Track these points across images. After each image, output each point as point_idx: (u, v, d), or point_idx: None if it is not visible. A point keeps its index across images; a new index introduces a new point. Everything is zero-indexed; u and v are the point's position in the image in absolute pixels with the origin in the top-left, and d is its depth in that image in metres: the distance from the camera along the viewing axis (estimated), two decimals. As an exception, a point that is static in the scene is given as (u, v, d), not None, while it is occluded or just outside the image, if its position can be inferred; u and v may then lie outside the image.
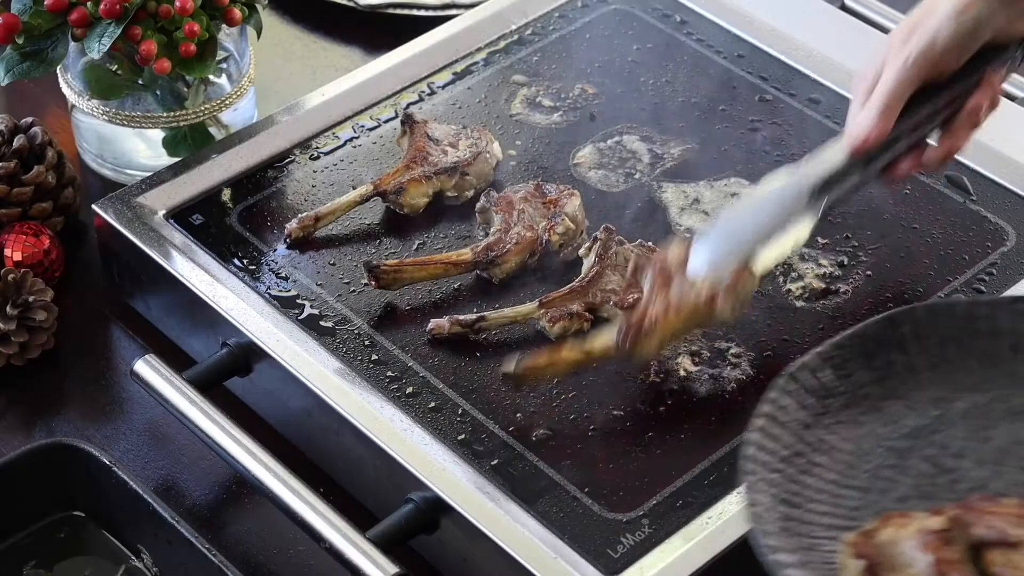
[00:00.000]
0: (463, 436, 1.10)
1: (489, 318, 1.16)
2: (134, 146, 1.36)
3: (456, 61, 1.39)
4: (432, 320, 1.16)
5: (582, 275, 1.18)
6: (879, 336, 1.04)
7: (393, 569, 1.01)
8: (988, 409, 1.02)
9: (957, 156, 1.28)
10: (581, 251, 1.20)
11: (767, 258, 1.13)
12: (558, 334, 1.15)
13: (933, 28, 1.12)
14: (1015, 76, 1.36)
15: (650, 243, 1.20)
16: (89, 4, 1.24)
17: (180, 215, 1.24)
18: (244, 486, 1.15)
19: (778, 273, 1.21)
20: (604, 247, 1.18)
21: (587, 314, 1.16)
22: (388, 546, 1.04)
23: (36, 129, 1.31)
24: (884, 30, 1.41)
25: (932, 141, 1.17)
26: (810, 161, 1.15)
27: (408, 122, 1.29)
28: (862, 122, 1.13)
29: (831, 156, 1.14)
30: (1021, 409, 1.02)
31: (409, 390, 1.12)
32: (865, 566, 0.90)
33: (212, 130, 1.34)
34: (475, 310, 1.18)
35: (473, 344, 1.16)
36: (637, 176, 1.29)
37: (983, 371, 1.04)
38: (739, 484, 0.98)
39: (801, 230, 1.14)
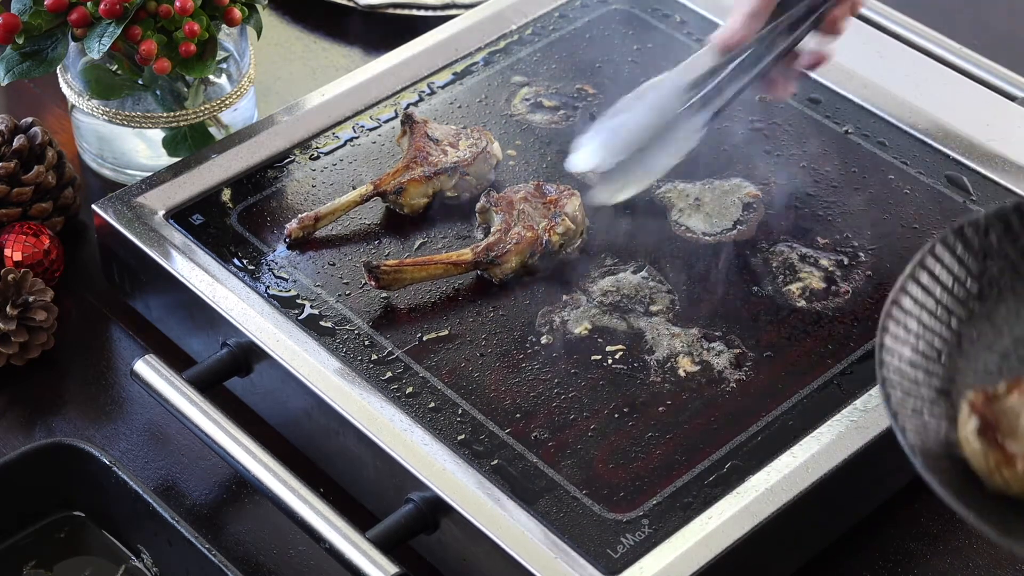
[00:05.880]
0: (463, 436, 1.10)
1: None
2: (134, 146, 1.36)
3: (456, 61, 1.39)
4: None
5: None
6: None
7: (393, 569, 1.01)
8: None
9: (954, 154, 1.28)
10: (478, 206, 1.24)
11: (659, 163, 1.21)
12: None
13: None
14: (1015, 76, 1.36)
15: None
16: (89, 4, 1.24)
17: (180, 215, 1.24)
18: (244, 486, 1.15)
19: (778, 273, 1.21)
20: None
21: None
22: (388, 546, 1.04)
23: (36, 129, 1.31)
24: (884, 30, 1.41)
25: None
26: (685, 63, 1.20)
27: (408, 122, 1.29)
28: (729, 24, 1.18)
29: (702, 58, 1.20)
30: None
31: (409, 390, 1.12)
32: (979, 425, 0.89)
33: (212, 130, 1.34)
34: (475, 311, 1.18)
35: (473, 344, 1.16)
36: (637, 176, 1.29)
37: None
38: (880, 331, 0.96)
39: (690, 138, 1.20)
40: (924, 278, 0.97)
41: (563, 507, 1.05)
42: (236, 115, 1.36)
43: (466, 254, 1.19)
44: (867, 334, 1.16)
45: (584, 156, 1.20)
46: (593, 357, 1.15)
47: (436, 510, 1.06)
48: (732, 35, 1.18)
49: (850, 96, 1.35)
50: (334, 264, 1.22)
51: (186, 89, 1.32)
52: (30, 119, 1.32)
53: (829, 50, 1.22)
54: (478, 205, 1.23)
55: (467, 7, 1.51)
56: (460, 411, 1.11)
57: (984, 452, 0.89)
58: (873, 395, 1.11)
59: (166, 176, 1.27)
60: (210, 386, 1.15)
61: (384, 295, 1.19)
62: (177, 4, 1.25)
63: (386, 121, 1.33)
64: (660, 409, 1.12)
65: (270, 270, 1.21)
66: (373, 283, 1.18)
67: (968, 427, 0.90)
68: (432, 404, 1.11)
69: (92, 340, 1.27)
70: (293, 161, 1.30)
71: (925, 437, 0.91)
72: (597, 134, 1.21)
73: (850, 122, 1.33)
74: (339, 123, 1.33)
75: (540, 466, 1.08)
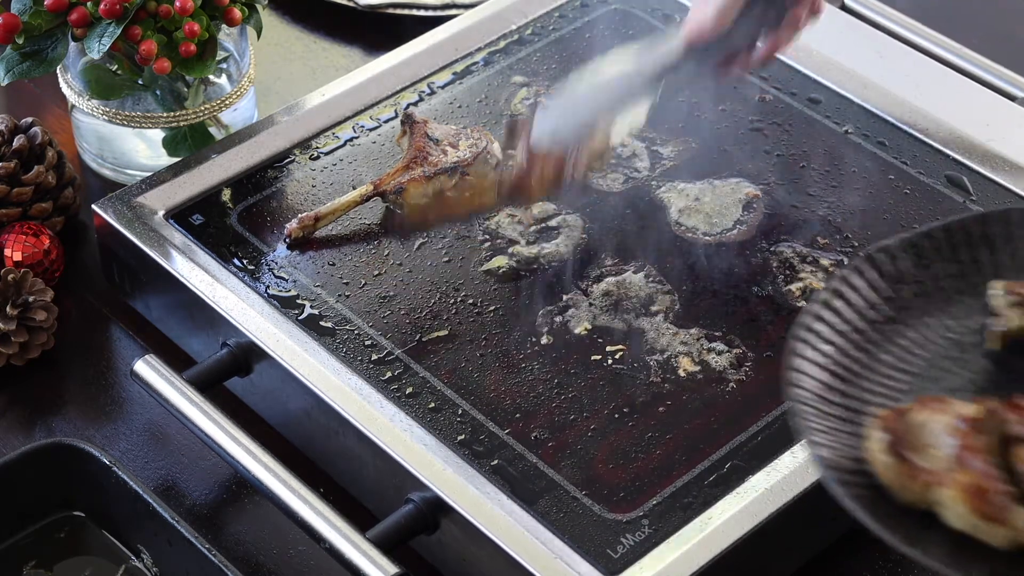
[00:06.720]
0: (463, 436, 1.10)
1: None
2: (134, 146, 1.36)
3: (456, 61, 1.39)
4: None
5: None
6: (968, 232, 1.03)
7: (393, 569, 1.01)
8: None
9: (954, 154, 1.28)
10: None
11: (616, 132, 1.23)
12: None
13: None
14: (1015, 76, 1.36)
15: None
16: (89, 4, 1.24)
17: (180, 215, 1.24)
18: (244, 486, 1.15)
19: (778, 273, 1.21)
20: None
21: None
22: (388, 546, 1.04)
23: (36, 129, 1.31)
24: (884, 30, 1.41)
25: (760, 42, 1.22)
26: (650, 48, 1.20)
27: (408, 122, 1.29)
28: (701, 18, 1.18)
29: (669, 46, 1.20)
30: None
31: (409, 390, 1.12)
32: (888, 440, 0.90)
33: (212, 130, 1.34)
34: (476, 311, 1.18)
35: (473, 344, 1.16)
36: (637, 176, 1.29)
37: None
38: (790, 351, 0.96)
39: (638, 113, 1.22)
40: (837, 303, 0.99)
41: (563, 507, 1.05)
42: (236, 115, 1.36)
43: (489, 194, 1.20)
44: (867, 334, 1.16)
45: (542, 133, 1.19)
46: (593, 357, 1.15)
47: (436, 510, 1.06)
48: (702, 30, 1.18)
49: (850, 96, 1.35)
50: (334, 264, 1.22)
51: (186, 89, 1.32)
52: (30, 119, 1.32)
53: (783, 38, 1.22)
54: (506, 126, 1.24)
55: (467, 7, 1.51)
56: (460, 411, 1.11)
57: (893, 466, 0.90)
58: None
59: (166, 176, 1.27)
60: (210, 386, 1.15)
61: (384, 296, 1.19)
62: (177, 4, 1.25)
63: (386, 121, 1.33)
64: (660, 409, 1.12)
65: (270, 270, 1.21)
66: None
67: (876, 442, 0.91)
68: (432, 404, 1.11)
69: (92, 340, 1.27)
70: (293, 161, 1.30)
71: (837, 453, 0.92)
72: (555, 112, 1.20)
73: (850, 122, 1.33)
74: (339, 123, 1.33)
75: (540, 466, 1.08)
